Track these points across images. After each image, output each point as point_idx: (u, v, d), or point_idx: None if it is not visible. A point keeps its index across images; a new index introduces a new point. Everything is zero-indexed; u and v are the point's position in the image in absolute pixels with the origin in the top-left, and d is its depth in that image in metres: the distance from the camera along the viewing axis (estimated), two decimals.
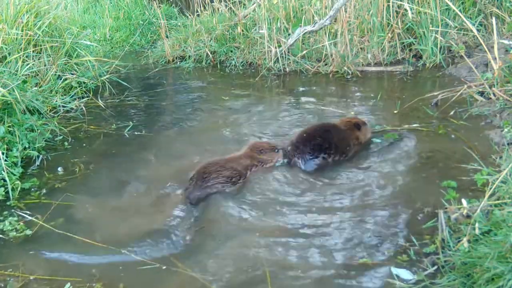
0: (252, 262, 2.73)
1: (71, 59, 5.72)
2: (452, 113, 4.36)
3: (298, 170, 3.70)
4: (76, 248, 2.96)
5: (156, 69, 7.00)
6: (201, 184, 3.47)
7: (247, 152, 3.82)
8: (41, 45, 5.40)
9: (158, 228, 3.14)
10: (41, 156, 4.11)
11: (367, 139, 4.03)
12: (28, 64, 5.03)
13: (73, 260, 2.86)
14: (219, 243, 2.93)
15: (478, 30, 5.52)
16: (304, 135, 3.84)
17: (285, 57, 6.27)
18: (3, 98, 4.03)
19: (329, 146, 3.74)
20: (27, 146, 4.10)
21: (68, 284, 2.62)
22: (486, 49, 4.75)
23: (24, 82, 4.86)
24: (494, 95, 4.37)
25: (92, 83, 5.80)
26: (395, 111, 4.62)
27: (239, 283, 2.59)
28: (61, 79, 5.45)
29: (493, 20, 4.73)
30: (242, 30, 6.80)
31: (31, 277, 2.71)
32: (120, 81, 6.07)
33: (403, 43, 6.09)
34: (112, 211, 3.34)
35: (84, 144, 4.46)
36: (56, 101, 5.17)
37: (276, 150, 3.89)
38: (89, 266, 2.78)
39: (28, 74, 5.03)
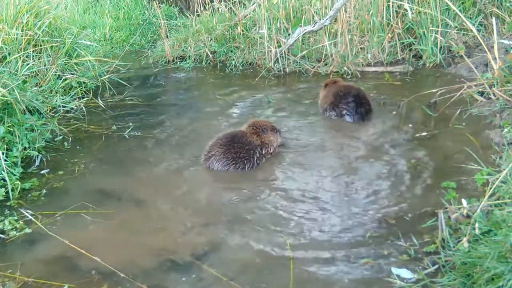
0: (261, 261, 2.73)
1: (71, 59, 5.72)
2: (451, 113, 4.36)
3: (296, 167, 3.71)
4: (75, 250, 2.95)
5: (156, 69, 7.00)
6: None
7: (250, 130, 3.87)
8: (41, 45, 5.40)
9: (158, 228, 3.14)
10: (40, 156, 4.11)
11: None
12: (28, 64, 5.03)
13: (71, 262, 2.85)
14: (232, 238, 2.95)
15: (478, 30, 5.52)
16: (340, 93, 4.56)
17: (285, 57, 6.27)
18: (3, 98, 4.03)
19: (364, 97, 4.56)
20: (27, 146, 4.10)
21: (66, 287, 2.61)
22: (486, 49, 4.74)
23: (24, 82, 4.86)
24: (494, 95, 4.36)
25: (92, 83, 5.79)
26: (395, 112, 4.62)
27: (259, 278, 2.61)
28: (61, 79, 5.45)
29: (493, 20, 4.73)
30: (242, 30, 6.79)
31: (29, 280, 2.70)
32: (120, 81, 6.07)
33: (403, 43, 6.09)
34: (113, 212, 3.34)
35: (84, 144, 4.46)
36: (56, 101, 5.17)
37: (275, 131, 3.95)
38: (87, 269, 2.76)
39: (28, 74, 5.03)
